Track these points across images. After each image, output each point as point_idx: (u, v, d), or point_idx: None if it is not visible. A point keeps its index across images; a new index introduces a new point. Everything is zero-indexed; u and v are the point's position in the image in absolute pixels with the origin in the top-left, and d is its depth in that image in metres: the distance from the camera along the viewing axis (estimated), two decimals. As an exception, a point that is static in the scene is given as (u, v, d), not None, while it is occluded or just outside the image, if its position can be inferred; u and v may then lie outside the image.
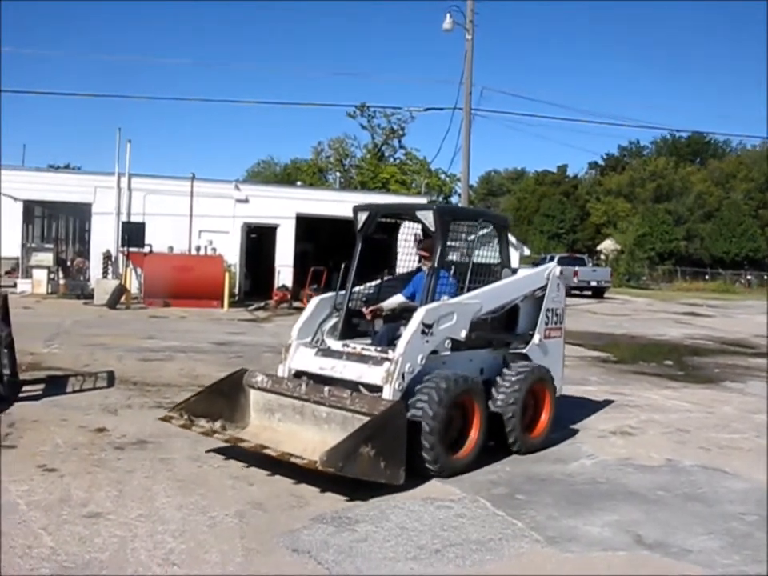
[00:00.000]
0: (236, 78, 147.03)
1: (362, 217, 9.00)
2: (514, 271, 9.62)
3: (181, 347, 15.83)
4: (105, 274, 26.90)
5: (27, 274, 27.75)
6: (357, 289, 9.03)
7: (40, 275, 26.98)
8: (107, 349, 15.00)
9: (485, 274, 8.80)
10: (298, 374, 8.33)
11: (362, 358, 7.97)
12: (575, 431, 9.90)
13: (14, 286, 27.31)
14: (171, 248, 27.41)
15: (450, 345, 8.02)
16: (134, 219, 27.82)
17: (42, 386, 10.90)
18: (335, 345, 8.47)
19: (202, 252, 27.78)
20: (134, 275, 26.77)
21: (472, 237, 8.90)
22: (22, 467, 7.21)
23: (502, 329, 9.07)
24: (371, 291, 9.25)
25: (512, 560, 5.76)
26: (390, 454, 6.80)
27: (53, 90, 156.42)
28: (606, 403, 12.02)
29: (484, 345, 8.77)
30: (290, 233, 31.72)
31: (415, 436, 7.18)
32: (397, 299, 9.07)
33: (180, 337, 17.10)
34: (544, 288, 9.41)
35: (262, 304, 27.44)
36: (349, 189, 51.03)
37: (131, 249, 26.46)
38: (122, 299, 24.28)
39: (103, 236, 28.09)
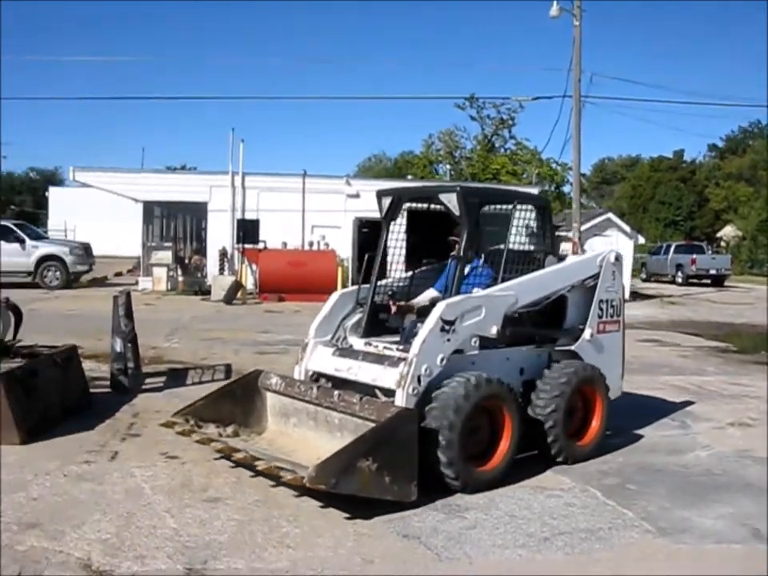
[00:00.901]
0: (345, 73, 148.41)
1: (386, 202, 8.30)
2: (562, 258, 8.64)
3: (295, 341, 16.04)
4: (221, 270, 27.58)
5: (148, 272, 28.68)
6: (385, 281, 8.37)
7: (160, 273, 27.88)
8: (224, 343, 15.46)
9: (525, 263, 7.91)
10: (316, 376, 7.84)
11: (379, 359, 7.27)
12: (690, 422, 9.73)
13: (136, 283, 28.32)
14: (285, 244, 27.93)
15: (477, 343, 7.19)
16: (248, 216, 28.41)
17: (163, 379, 11.37)
18: (357, 343, 7.82)
19: (315, 247, 28.22)
20: (250, 271, 27.36)
21: (508, 221, 8.00)
22: (146, 454, 7.59)
23: (546, 323, 8.11)
24: (403, 284, 8.49)
25: (621, 549, 5.75)
26: (396, 468, 6.11)
27: (169, 95, 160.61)
28: (723, 394, 11.74)
29: (525, 341, 7.88)
30: (401, 226, 31.91)
31: (431, 448, 6.47)
32: (429, 294, 8.22)
33: (294, 330, 17.43)
34: (596, 277, 8.35)
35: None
36: (459, 181, 50.92)
37: (246, 245, 27.09)
38: (238, 295, 24.92)
39: (219, 233, 28.78)
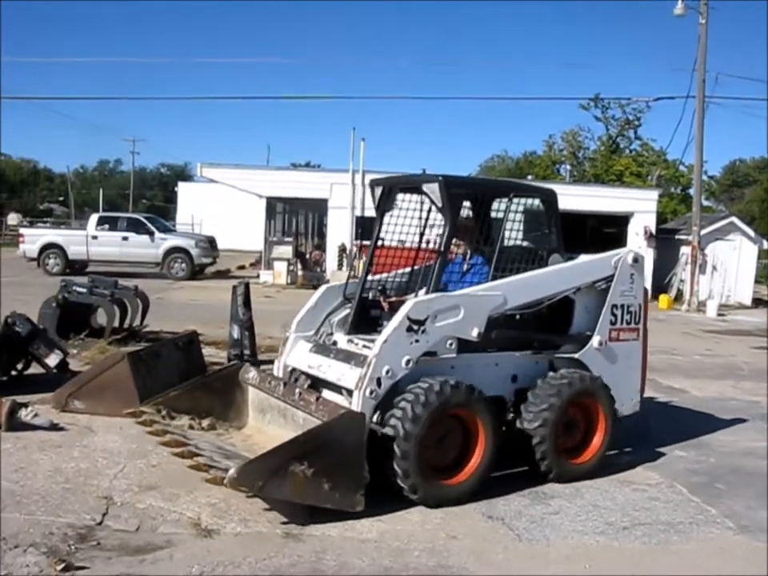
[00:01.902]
0: (469, 73, 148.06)
1: (377, 192, 7.82)
2: (571, 257, 7.98)
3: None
4: (340, 265, 28.31)
5: (269, 266, 29.64)
6: (382, 276, 7.87)
7: (280, 267, 28.77)
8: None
9: (527, 261, 7.33)
10: (298, 373, 7.50)
11: (348, 357, 6.78)
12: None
13: (257, 276, 29.35)
14: (402, 241, 28.41)
15: (454, 346, 6.65)
16: (367, 214, 29.05)
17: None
18: (342, 340, 7.34)
19: (431, 245, 28.59)
20: (370, 266, 27.98)
21: (503, 215, 7.42)
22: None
23: (550, 328, 7.42)
24: (402, 280, 7.95)
25: (699, 543, 5.97)
26: (337, 475, 5.71)
27: (294, 95, 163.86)
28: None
29: (522, 346, 7.26)
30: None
31: (386, 458, 6.11)
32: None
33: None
34: (610, 279, 7.61)
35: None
36: (581, 182, 50.43)
37: (364, 242, 27.74)
38: (356, 290, 25.57)
39: (339, 230, 29.50)
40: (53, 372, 9.79)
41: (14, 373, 9.85)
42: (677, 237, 32.36)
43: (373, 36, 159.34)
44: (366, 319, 7.52)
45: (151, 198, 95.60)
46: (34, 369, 9.95)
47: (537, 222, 7.75)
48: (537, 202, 7.73)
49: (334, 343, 7.37)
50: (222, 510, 5.85)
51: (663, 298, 28.42)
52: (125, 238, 29.42)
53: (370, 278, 7.76)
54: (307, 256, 31.84)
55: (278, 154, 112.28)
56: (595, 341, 7.45)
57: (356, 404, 6.22)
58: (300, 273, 29.37)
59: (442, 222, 7.16)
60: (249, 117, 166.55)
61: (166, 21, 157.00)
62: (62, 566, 4.83)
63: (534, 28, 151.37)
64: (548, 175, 58.19)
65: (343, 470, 5.75)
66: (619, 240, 32.77)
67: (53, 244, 29.69)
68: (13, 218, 79.81)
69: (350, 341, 7.19)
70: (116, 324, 12.89)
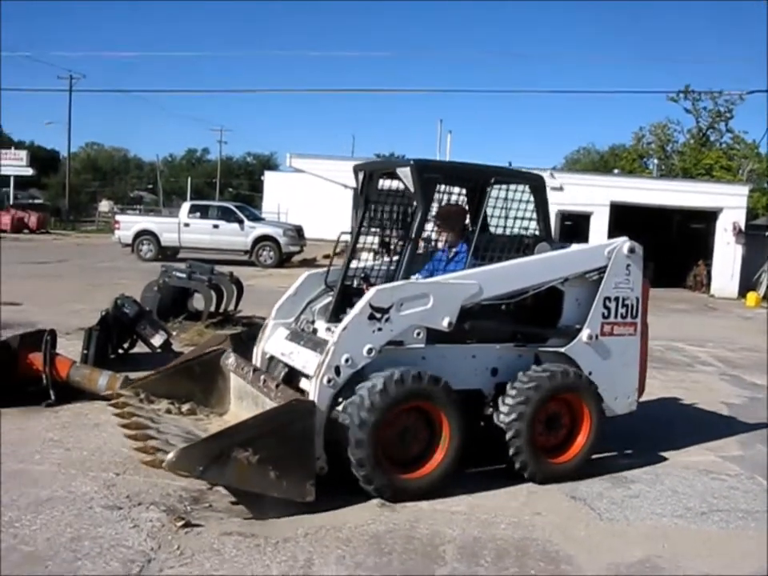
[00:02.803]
0: (551, 66, 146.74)
1: (360, 177, 7.50)
2: (562, 246, 7.62)
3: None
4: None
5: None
6: (366, 264, 7.51)
7: (366, 257, 29.18)
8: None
9: (509, 249, 7.01)
10: (276, 360, 7.33)
11: (315, 345, 6.62)
12: None
13: (343, 266, 29.79)
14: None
15: (422, 335, 6.44)
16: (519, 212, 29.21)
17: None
18: (322, 328, 7.12)
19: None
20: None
21: (485, 201, 7.11)
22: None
23: (535, 320, 7.11)
24: (387, 268, 7.37)
25: (775, 531, 6.16)
26: (285, 464, 5.58)
27: (378, 88, 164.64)
28: None
29: (504, 338, 6.95)
30: (603, 221, 31.85)
31: (341, 447, 5.98)
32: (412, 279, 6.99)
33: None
34: (603, 270, 7.24)
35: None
36: (668, 176, 49.80)
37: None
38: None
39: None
40: (157, 351, 10.42)
41: (120, 351, 10.50)
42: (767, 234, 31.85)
43: (458, 28, 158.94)
44: (348, 307, 6.94)
45: (237, 186, 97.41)
46: (139, 348, 10.59)
47: (522, 208, 7.27)
48: (522, 188, 7.34)
49: (314, 331, 7.19)
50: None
51: (751, 295, 28.07)
52: (215, 226, 30.26)
53: (353, 265, 7.37)
54: (392, 246, 32.17)
55: (362, 144, 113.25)
56: (584, 335, 7.11)
57: (313, 392, 6.06)
58: (386, 263, 29.69)
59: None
60: (334, 107, 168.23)
61: (253, 14, 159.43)
62: (182, 522, 5.35)
63: (624, 19, 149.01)
64: (634, 169, 57.59)
65: (291, 459, 5.63)
66: (706, 236, 32.45)
67: (146, 231, 30.69)
68: (104, 205, 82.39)
69: (329, 329, 6.83)
70: (212, 308, 13.51)
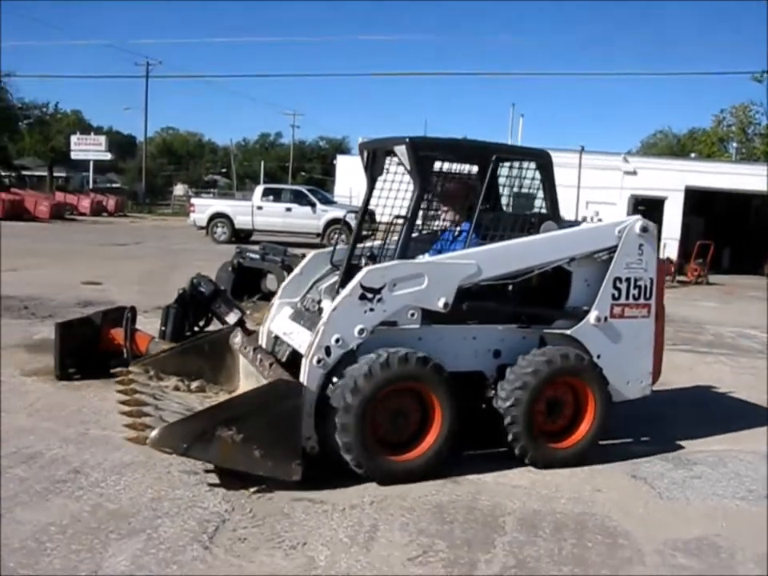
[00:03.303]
0: (628, 48, 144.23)
1: (366, 155, 7.37)
2: (570, 225, 7.44)
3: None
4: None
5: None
6: (373, 243, 7.45)
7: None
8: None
9: (512, 228, 6.77)
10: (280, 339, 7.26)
11: (312, 324, 6.45)
12: None
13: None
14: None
15: (417, 316, 6.30)
16: (524, 191, 29.24)
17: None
18: (327, 307, 6.70)
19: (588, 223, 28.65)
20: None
21: (485, 179, 6.81)
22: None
23: (541, 301, 6.90)
24: (394, 247, 7.01)
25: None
26: (269, 443, 5.59)
27: (451, 71, 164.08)
28: None
29: (507, 319, 6.77)
30: (677, 206, 31.52)
31: (328, 430, 5.94)
32: (419, 260, 6.79)
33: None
34: (613, 250, 6.99)
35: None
36: (749, 160, 48.71)
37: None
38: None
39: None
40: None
41: (196, 328, 10.85)
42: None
43: (528, 13, 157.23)
44: None
45: (309, 170, 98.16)
46: (214, 325, 10.92)
47: (527, 186, 7.12)
48: (527, 165, 7.14)
49: (320, 311, 6.95)
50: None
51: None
52: (288, 209, 30.76)
53: (360, 244, 7.38)
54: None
55: (435, 128, 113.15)
56: (592, 316, 6.88)
57: (303, 372, 5.99)
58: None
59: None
60: (406, 91, 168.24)
61: (321, 2, 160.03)
62: (255, 488, 5.66)
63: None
64: (713, 152, 56.43)
65: (277, 439, 5.62)
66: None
67: (221, 213, 31.38)
68: (179, 189, 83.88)
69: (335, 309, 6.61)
70: (285, 288, 13.83)
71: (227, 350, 7.51)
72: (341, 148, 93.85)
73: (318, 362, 5.97)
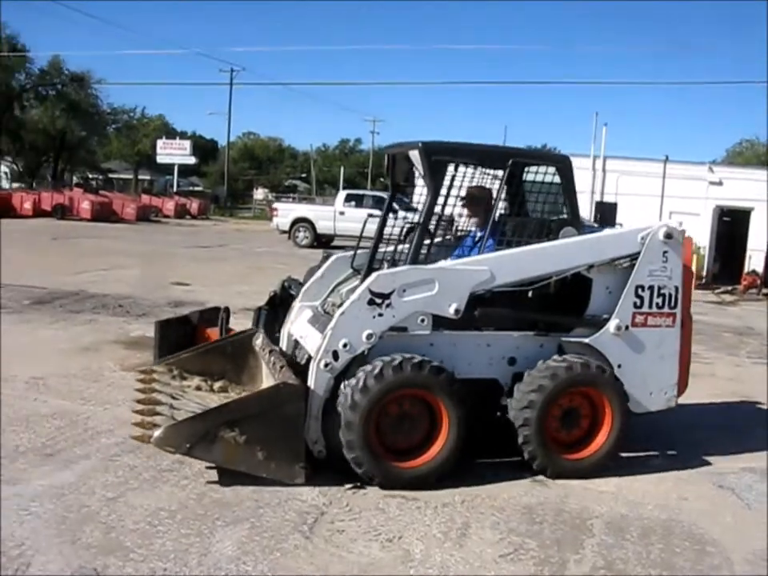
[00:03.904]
0: (709, 59, 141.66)
1: (387, 160, 7.42)
2: (592, 231, 7.33)
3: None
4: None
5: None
6: (395, 248, 7.28)
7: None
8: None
9: (530, 234, 6.68)
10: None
11: (324, 328, 6.35)
12: None
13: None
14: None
15: (427, 322, 6.24)
16: (606, 199, 28.98)
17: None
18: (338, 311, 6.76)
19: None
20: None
21: (502, 184, 6.83)
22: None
23: (561, 309, 6.74)
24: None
25: None
26: (273, 445, 5.67)
27: (532, 80, 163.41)
28: None
29: (523, 327, 6.64)
30: (764, 217, 30.81)
31: (334, 428, 5.97)
32: (440, 264, 6.73)
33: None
34: (635, 257, 6.77)
35: (729, 288, 27.27)
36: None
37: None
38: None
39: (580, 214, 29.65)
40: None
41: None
42: None
43: (611, 21, 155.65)
44: None
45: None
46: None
47: (546, 191, 6.99)
48: (546, 170, 7.02)
49: (320, 312, 7.21)
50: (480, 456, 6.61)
51: None
52: (370, 215, 30.99)
53: (381, 249, 7.38)
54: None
55: (515, 135, 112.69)
56: (612, 325, 6.68)
57: (311, 376, 6.04)
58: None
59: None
60: (486, 98, 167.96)
61: (406, 9, 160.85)
62: (351, 485, 5.91)
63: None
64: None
65: (280, 441, 5.70)
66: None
67: (303, 218, 31.84)
68: (260, 193, 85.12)
69: None
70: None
71: (250, 351, 7.56)
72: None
73: (326, 365, 6.02)
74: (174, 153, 66.47)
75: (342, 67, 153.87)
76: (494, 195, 6.98)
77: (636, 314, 6.75)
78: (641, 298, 6.75)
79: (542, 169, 7.01)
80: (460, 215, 7.75)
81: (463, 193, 7.31)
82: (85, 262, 20.05)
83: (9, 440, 6.34)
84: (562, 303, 6.74)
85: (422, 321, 6.24)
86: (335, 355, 6.02)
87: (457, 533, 5.28)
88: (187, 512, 5.27)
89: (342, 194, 34.09)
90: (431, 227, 7.29)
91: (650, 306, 6.78)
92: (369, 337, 6.05)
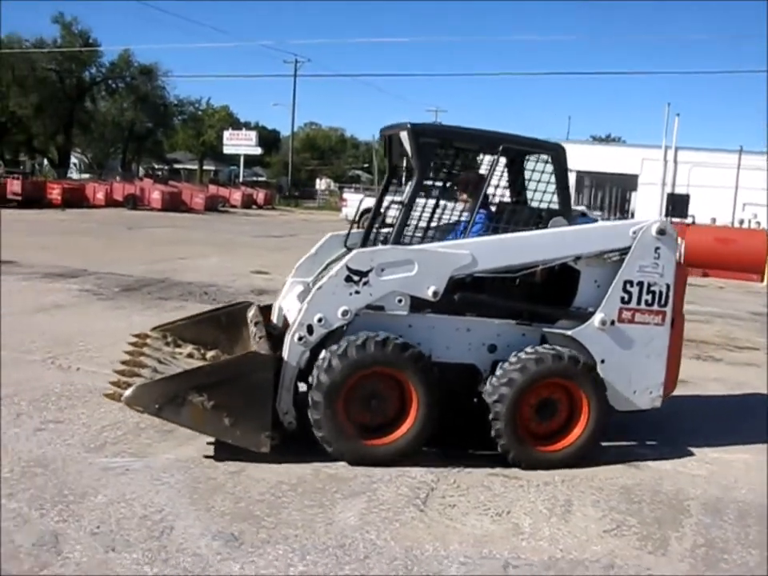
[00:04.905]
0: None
1: (384, 142, 7.41)
2: (586, 222, 6.89)
3: (719, 313, 16.90)
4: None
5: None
6: (390, 229, 7.08)
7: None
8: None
9: (516, 221, 6.63)
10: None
11: None
12: None
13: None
14: (714, 220, 28.03)
15: (405, 303, 6.24)
16: (678, 191, 28.84)
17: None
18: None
19: (744, 225, 27.99)
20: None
21: (488, 170, 6.74)
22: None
23: (547, 299, 6.67)
24: (413, 233, 7.15)
25: None
26: (239, 413, 5.78)
27: (599, 70, 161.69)
28: None
29: (506, 314, 6.55)
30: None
31: (304, 406, 6.10)
32: None
33: (718, 305, 18.10)
34: (625, 251, 6.61)
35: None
36: None
37: (674, 219, 27.57)
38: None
39: (647, 206, 29.49)
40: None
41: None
42: None
43: (681, 10, 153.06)
44: None
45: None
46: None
47: (536, 179, 6.92)
48: (538, 157, 6.98)
49: (308, 287, 7.09)
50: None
51: None
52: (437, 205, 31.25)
53: (375, 229, 7.41)
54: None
55: (579, 126, 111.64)
56: (597, 318, 6.54)
57: (285, 348, 6.13)
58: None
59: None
60: (549, 89, 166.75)
61: (465, 1, 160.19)
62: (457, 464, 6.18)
63: None
64: None
65: (246, 409, 5.80)
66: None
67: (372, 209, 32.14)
68: (323, 183, 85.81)
69: None
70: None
71: (243, 323, 7.58)
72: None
73: (300, 339, 6.10)
74: (240, 143, 67.57)
75: (405, 57, 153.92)
76: (485, 181, 6.82)
77: (623, 309, 6.61)
78: (629, 293, 6.61)
79: (536, 157, 7.00)
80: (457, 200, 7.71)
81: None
82: (163, 251, 20.73)
83: (129, 417, 6.73)
84: (548, 294, 6.72)
85: (400, 301, 6.26)
86: (309, 329, 6.11)
87: (561, 509, 5.57)
88: (306, 486, 5.64)
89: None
90: (419, 211, 7.40)
91: (639, 303, 6.63)
92: (344, 313, 6.12)
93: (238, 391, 5.79)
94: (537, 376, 6.26)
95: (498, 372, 6.30)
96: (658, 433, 7.36)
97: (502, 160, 6.94)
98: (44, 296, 12.82)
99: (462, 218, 7.38)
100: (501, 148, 6.69)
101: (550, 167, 6.85)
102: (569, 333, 6.53)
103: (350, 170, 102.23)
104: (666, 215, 28.22)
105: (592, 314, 6.57)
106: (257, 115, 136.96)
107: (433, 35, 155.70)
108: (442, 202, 7.87)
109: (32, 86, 57.24)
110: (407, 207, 6.69)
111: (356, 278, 6.14)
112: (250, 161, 79.22)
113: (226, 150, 69.46)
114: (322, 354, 6.03)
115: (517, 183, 7.18)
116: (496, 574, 4.60)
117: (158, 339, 7.41)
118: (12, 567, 4.30)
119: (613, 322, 6.57)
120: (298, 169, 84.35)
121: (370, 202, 32.20)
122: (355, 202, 33.10)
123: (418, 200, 7.09)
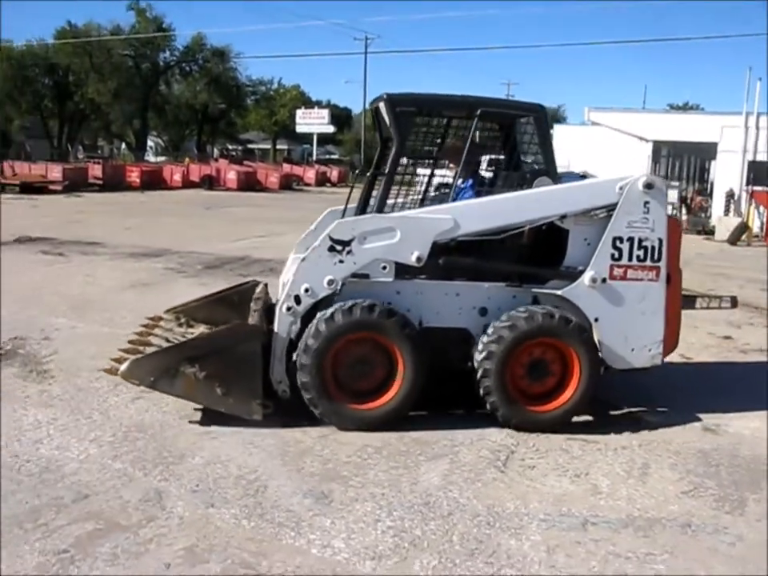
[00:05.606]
0: None
1: (373, 115, 7.42)
2: (577, 179, 6.87)
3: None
4: (726, 211, 27.82)
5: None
6: (388, 202, 7.00)
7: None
8: (728, 278, 16.39)
9: (504, 184, 6.70)
10: None
11: None
12: None
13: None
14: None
15: (390, 269, 6.31)
16: (759, 158, 28.08)
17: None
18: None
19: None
20: (757, 214, 27.15)
21: (473, 134, 6.79)
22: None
23: (536, 260, 6.63)
24: (411, 206, 7.39)
25: None
26: (231, 382, 5.99)
27: (675, 36, 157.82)
28: None
29: (495, 277, 6.54)
30: None
31: (293, 371, 6.28)
32: None
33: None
34: (613, 208, 6.50)
35: None
36: None
37: (756, 188, 26.87)
38: (743, 237, 25.08)
39: (727, 175, 28.75)
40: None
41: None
42: None
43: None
44: None
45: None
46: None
47: (518, 141, 6.97)
48: (518, 119, 7.06)
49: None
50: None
51: None
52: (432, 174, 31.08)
53: (372, 203, 7.28)
54: (689, 201, 31.48)
55: (655, 95, 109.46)
56: (587, 277, 6.46)
57: (276, 319, 6.34)
58: (684, 218, 29.17)
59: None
60: (624, 58, 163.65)
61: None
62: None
63: None
64: None
65: (237, 378, 6.01)
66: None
67: (446, 184, 32.13)
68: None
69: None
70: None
71: (253, 301, 7.67)
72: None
73: (288, 309, 6.30)
74: (312, 122, 67.89)
75: (477, 30, 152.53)
76: (470, 147, 6.79)
77: (614, 266, 6.51)
78: (619, 249, 6.51)
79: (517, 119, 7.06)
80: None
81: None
82: (241, 230, 21.20)
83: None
84: (539, 255, 6.69)
85: (384, 268, 6.35)
86: (297, 299, 6.30)
87: (638, 471, 5.70)
88: (391, 449, 5.90)
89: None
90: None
91: (630, 259, 6.52)
92: (330, 283, 6.26)
93: (227, 361, 6.03)
94: (526, 334, 6.28)
95: (489, 330, 6.34)
96: (735, 400, 7.38)
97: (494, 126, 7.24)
98: (131, 274, 13.36)
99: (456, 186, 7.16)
100: (479, 112, 6.70)
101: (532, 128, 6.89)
102: (559, 292, 6.50)
103: (423, 145, 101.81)
104: (747, 183, 27.43)
105: (582, 272, 6.53)
106: (328, 93, 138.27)
107: (504, 8, 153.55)
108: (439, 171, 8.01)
109: (109, 72, 58.58)
110: (389, 177, 6.70)
111: (339, 247, 6.27)
112: (323, 139, 79.57)
113: (299, 129, 69.88)
114: (314, 320, 6.21)
115: (507, 147, 7.18)
116: (575, 530, 4.78)
117: (171, 321, 7.63)
118: (122, 519, 4.64)
119: (604, 280, 6.51)
120: (370, 146, 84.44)
121: (446, 179, 32.75)
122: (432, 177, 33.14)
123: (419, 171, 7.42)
